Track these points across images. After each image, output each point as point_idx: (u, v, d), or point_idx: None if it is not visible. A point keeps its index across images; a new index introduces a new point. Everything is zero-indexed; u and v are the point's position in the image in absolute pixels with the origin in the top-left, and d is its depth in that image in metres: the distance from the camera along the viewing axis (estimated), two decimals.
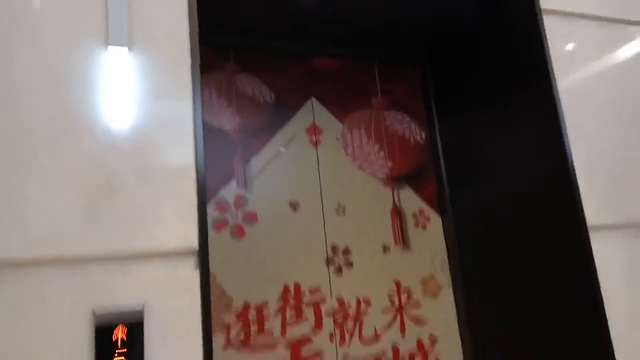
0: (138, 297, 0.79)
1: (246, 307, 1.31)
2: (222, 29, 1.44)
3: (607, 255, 1.10)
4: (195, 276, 0.81)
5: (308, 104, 1.55)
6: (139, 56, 0.86)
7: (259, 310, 1.32)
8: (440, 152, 1.64)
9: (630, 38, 1.33)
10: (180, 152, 0.85)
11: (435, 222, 1.60)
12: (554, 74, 1.18)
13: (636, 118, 1.26)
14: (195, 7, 0.93)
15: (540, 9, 1.22)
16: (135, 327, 0.77)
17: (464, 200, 1.56)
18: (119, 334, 0.76)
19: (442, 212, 1.60)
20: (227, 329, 1.27)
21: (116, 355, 0.75)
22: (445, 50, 1.62)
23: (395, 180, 1.58)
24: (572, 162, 1.12)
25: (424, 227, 1.58)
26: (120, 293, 0.78)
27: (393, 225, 1.54)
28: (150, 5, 0.89)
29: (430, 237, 1.57)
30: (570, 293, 1.13)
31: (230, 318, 1.29)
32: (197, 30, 0.91)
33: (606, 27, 1.31)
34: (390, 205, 1.55)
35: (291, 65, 1.55)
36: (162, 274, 0.81)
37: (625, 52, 1.31)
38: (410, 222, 1.56)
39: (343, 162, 1.54)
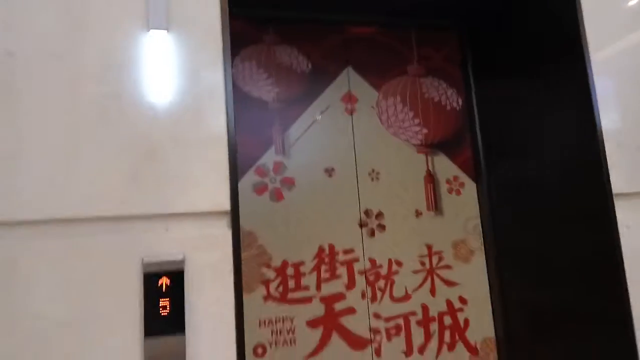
0: (178, 251, 0.91)
1: (284, 264, 1.42)
2: (260, 2, 1.50)
3: (632, 224, 1.10)
4: (227, 234, 0.92)
5: (344, 73, 1.60)
6: (176, 37, 0.95)
7: (296, 267, 1.43)
8: (477, 120, 1.65)
9: None
10: (214, 123, 0.94)
11: (470, 188, 1.62)
12: (587, 44, 1.16)
13: None
14: None
15: None
16: (177, 276, 0.90)
17: (499, 168, 1.57)
18: (164, 282, 0.89)
19: (476, 178, 1.63)
20: (267, 283, 1.40)
21: (161, 300, 0.88)
22: (483, 18, 1.60)
23: (430, 146, 1.62)
24: (601, 132, 1.12)
25: (458, 193, 1.61)
26: (163, 247, 0.90)
27: (426, 190, 1.58)
28: None
29: (464, 203, 1.61)
30: (594, 263, 1.15)
31: (270, 274, 1.41)
32: (227, 9, 0.98)
33: None
34: (424, 172, 1.60)
35: (327, 35, 1.60)
36: (199, 231, 0.92)
37: None
38: (443, 188, 1.60)
39: (378, 129, 1.59)
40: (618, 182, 1.11)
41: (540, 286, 1.39)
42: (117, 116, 0.90)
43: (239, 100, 1.48)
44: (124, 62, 0.92)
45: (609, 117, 1.15)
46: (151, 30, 0.93)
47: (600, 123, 1.12)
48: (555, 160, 1.31)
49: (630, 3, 1.25)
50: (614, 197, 1.10)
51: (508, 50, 1.50)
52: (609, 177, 1.10)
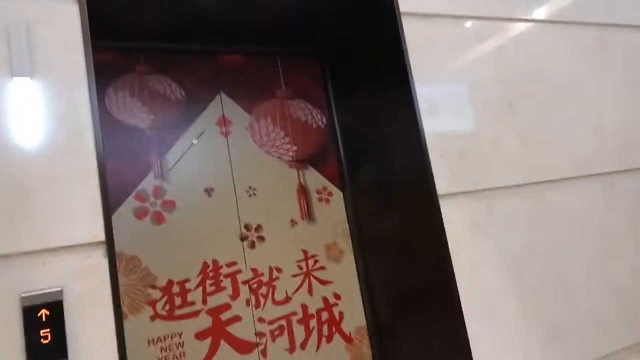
0: (58, 282, 0.97)
1: (170, 283, 1.51)
2: (129, 35, 1.57)
3: (454, 217, 1.37)
4: (103, 262, 1.00)
5: (217, 98, 1.72)
6: (42, 81, 1.01)
7: (182, 285, 1.52)
8: (339, 135, 1.87)
9: (478, 32, 1.58)
10: (83, 160, 1.02)
11: (337, 196, 1.83)
12: (411, 69, 1.41)
13: (480, 102, 1.52)
14: (89, 34, 1.07)
15: (399, 12, 1.44)
16: (56, 306, 0.96)
17: (360, 175, 1.80)
18: (43, 313, 0.95)
19: (342, 187, 1.84)
20: (153, 303, 1.47)
21: (42, 331, 0.94)
22: (339, 45, 1.82)
23: (300, 162, 1.80)
24: (425, 141, 1.38)
25: (327, 201, 1.81)
26: (42, 280, 0.96)
27: (299, 201, 1.76)
28: (46, 36, 1.03)
29: (333, 210, 1.81)
30: (431, 248, 1.40)
31: (156, 294, 1.48)
32: (91, 55, 1.06)
33: (457, 23, 1.55)
34: (296, 185, 1.78)
35: (199, 63, 1.71)
36: (76, 262, 0.99)
37: (473, 44, 1.56)
38: (314, 198, 1.80)
39: (252, 149, 1.74)
40: (441, 184, 1.37)
41: (397, 272, 1.63)
42: None
43: (115, 130, 1.54)
44: None
45: (432, 131, 1.41)
46: (14, 78, 0.98)
47: (425, 137, 1.38)
48: (399, 165, 1.55)
49: (449, 39, 1.54)
50: (438, 197, 1.36)
51: (358, 73, 1.74)
52: (434, 181, 1.36)
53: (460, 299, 1.31)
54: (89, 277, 0.99)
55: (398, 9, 1.45)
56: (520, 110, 1.61)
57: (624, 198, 1.77)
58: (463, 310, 1.30)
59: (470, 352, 1.27)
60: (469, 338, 1.29)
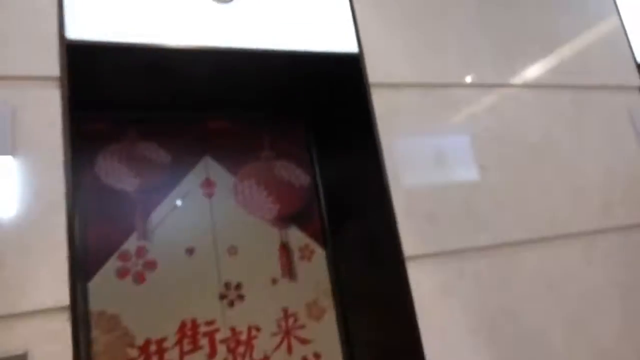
0: (23, 346, 1.03)
1: (147, 342, 1.54)
2: (120, 104, 1.70)
3: (421, 279, 1.39)
4: (67, 327, 1.06)
5: (202, 162, 1.81)
6: (22, 159, 1.11)
7: (159, 343, 1.56)
8: (322, 193, 1.93)
9: (445, 99, 1.65)
10: (55, 232, 1.10)
11: (319, 254, 1.87)
12: (379, 135, 1.48)
13: (449, 168, 1.57)
14: (68, 117, 1.17)
15: (368, 83, 1.53)
16: None
17: (341, 232, 1.84)
18: None
19: (324, 244, 1.88)
20: None
21: None
22: (320, 109, 1.92)
23: (283, 220, 1.86)
24: (392, 204, 1.42)
25: (309, 259, 1.85)
26: (8, 344, 1.02)
27: (281, 260, 1.81)
28: (29, 119, 1.14)
29: (315, 267, 1.85)
30: (399, 312, 1.42)
31: (133, 352, 1.52)
32: (68, 134, 1.16)
33: (424, 91, 1.63)
34: (278, 243, 1.82)
35: (185, 129, 1.82)
36: (41, 327, 1.05)
37: (440, 111, 1.63)
38: (296, 256, 1.84)
39: (235, 209, 1.80)
40: (408, 246, 1.41)
41: (376, 332, 1.63)
42: None
43: (102, 194, 1.63)
44: None
45: (400, 193, 1.46)
46: None
47: (392, 199, 1.43)
48: (373, 226, 1.59)
49: (417, 106, 1.61)
50: (405, 259, 1.39)
51: (338, 136, 1.82)
52: (400, 242, 1.40)
53: None
54: (53, 341, 1.05)
55: (367, 80, 1.53)
56: (494, 173, 1.65)
57: (606, 257, 1.76)
58: None
59: None
60: None
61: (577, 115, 1.90)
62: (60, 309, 1.06)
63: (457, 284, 1.47)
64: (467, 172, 1.61)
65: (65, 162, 1.14)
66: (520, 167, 1.71)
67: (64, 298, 1.06)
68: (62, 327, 1.06)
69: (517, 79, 1.82)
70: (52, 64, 1.19)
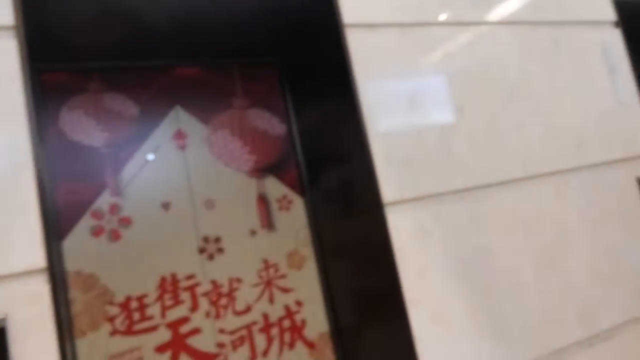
0: (1, 310, 1.00)
1: (128, 299, 1.53)
2: (81, 55, 1.59)
3: (400, 225, 1.40)
4: (46, 288, 1.03)
5: (172, 112, 1.74)
6: None
7: (140, 300, 1.54)
8: (298, 142, 1.90)
9: (423, 39, 1.61)
10: (24, 192, 1.04)
11: (297, 203, 1.86)
12: (355, 79, 1.44)
13: (426, 110, 1.55)
14: (28, 69, 1.08)
15: (343, 24, 1.47)
16: (0, 333, 0.99)
17: (319, 181, 1.83)
18: None
19: (302, 193, 1.87)
20: (112, 320, 1.49)
21: None
22: (294, 55, 1.84)
23: (260, 171, 1.82)
24: (369, 149, 1.41)
25: (288, 209, 1.84)
26: None
27: (259, 211, 1.79)
28: None
29: (293, 217, 1.84)
30: (378, 258, 1.43)
31: (114, 310, 1.51)
32: (30, 89, 1.07)
33: (402, 30, 1.58)
34: (256, 194, 1.80)
35: (153, 78, 1.72)
36: (19, 290, 1.01)
37: (418, 51, 1.59)
38: (274, 206, 1.82)
39: (210, 161, 1.75)
40: (387, 191, 1.41)
41: (356, 278, 1.66)
42: None
43: (69, 150, 1.55)
44: None
45: (378, 138, 1.44)
46: None
47: (369, 144, 1.41)
48: (351, 172, 1.58)
49: (394, 47, 1.56)
50: (384, 204, 1.39)
51: (314, 81, 1.76)
52: (379, 188, 1.39)
53: (407, 304, 1.35)
54: (32, 304, 1.02)
55: (341, 21, 1.47)
56: (470, 114, 1.65)
57: (578, 195, 1.82)
58: (410, 314, 1.34)
59: (416, 355, 1.31)
60: (416, 341, 1.33)
61: (552, 52, 1.89)
62: (38, 270, 1.03)
63: (435, 227, 1.49)
64: (443, 114, 1.60)
65: (30, 119, 1.07)
66: (496, 107, 1.70)
67: (40, 260, 1.03)
68: (41, 289, 1.02)
69: (494, 16, 1.79)
70: (6, 12, 1.09)
